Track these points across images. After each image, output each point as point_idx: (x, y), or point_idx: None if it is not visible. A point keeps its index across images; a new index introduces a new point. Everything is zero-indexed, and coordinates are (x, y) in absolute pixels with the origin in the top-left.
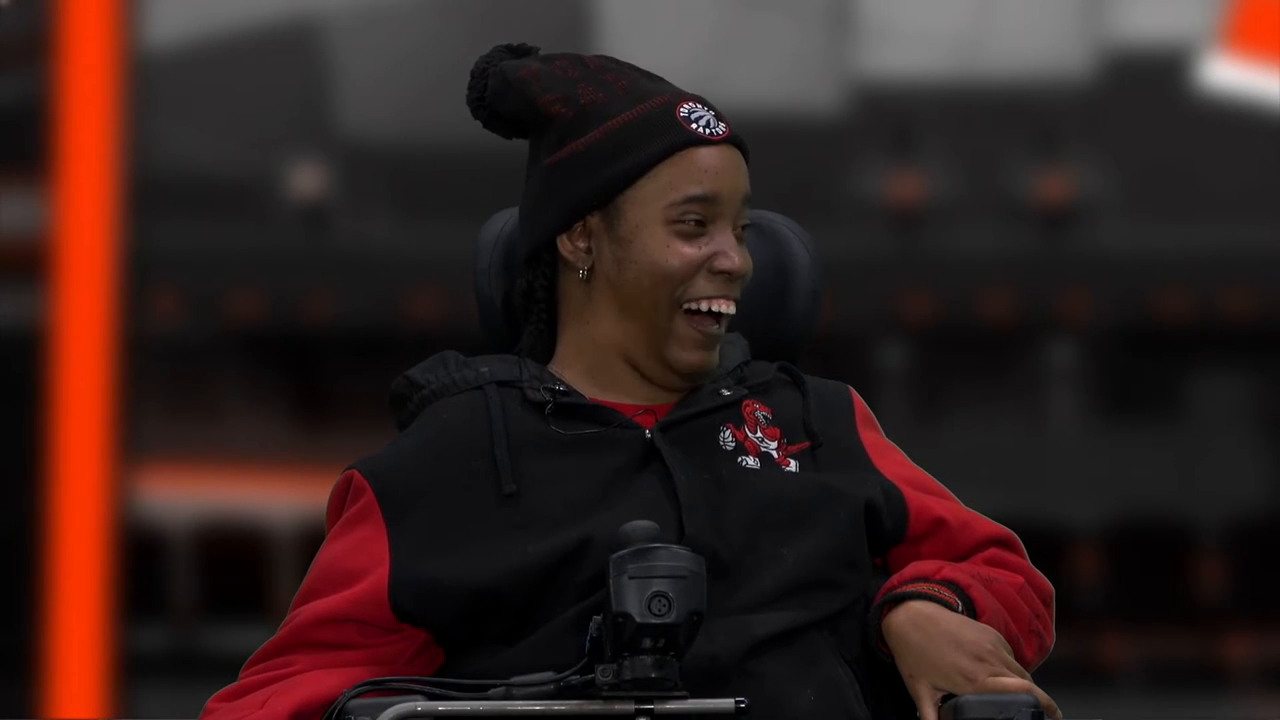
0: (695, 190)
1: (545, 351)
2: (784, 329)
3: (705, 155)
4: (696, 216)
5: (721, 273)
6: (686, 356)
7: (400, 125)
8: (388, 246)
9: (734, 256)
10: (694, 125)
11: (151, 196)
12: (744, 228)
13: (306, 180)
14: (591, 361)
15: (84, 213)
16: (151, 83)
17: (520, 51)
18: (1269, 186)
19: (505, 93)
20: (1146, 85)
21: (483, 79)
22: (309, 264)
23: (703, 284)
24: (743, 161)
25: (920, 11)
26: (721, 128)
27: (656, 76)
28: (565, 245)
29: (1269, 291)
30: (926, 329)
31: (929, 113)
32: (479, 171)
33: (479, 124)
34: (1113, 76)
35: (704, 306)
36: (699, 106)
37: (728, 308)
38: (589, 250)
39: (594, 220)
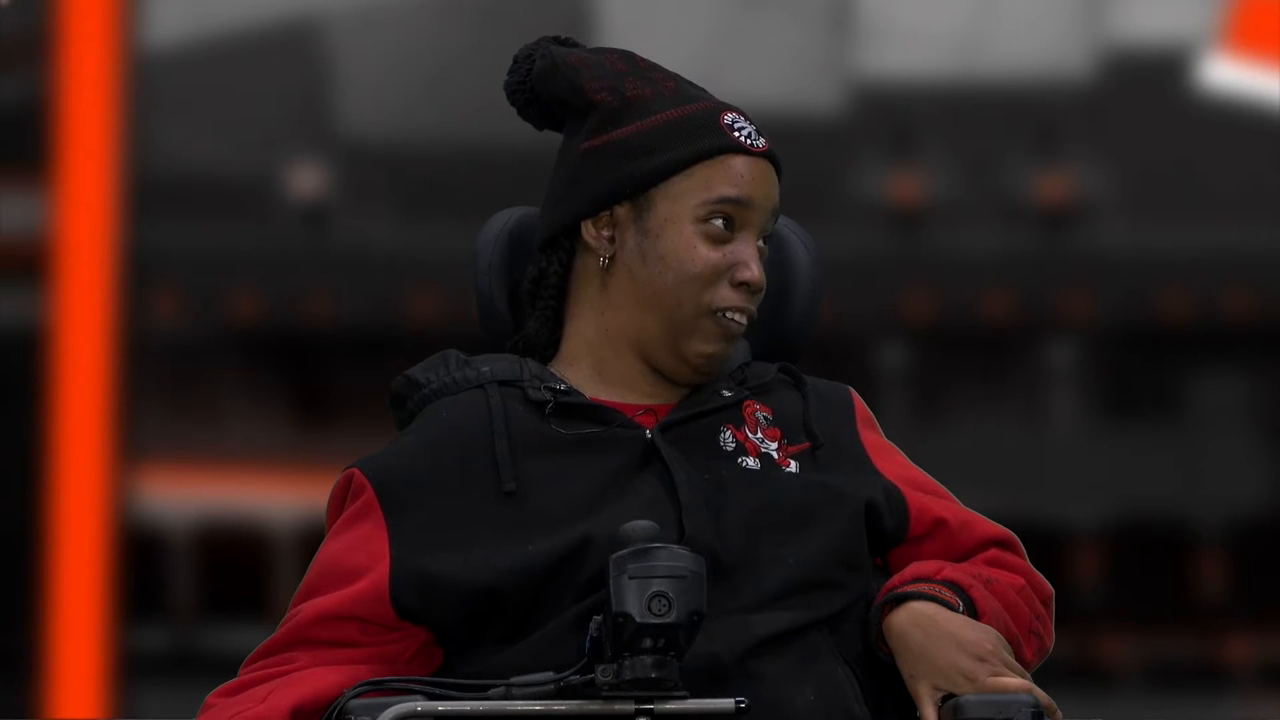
0: (730, 192)
1: (548, 341)
2: (784, 329)
3: (743, 163)
4: (726, 219)
5: (742, 284)
6: (705, 348)
7: (400, 125)
8: (388, 246)
9: (754, 268)
10: (736, 133)
11: (151, 196)
12: (766, 241)
13: (306, 180)
14: (599, 354)
15: (84, 213)
16: (151, 83)
17: (568, 43)
18: (1269, 186)
19: (552, 74)
20: (1146, 85)
21: (528, 63)
22: (309, 264)
23: (726, 292)
24: (776, 178)
25: (920, 11)
26: (762, 141)
27: (700, 87)
28: (589, 231)
29: (1269, 291)
30: (926, 329)
31: (929, 113)
32: (479, 171)
33: (480, 124)
34: (1113, 76)
35: (723, 315)
36: (742, 118)
37: (743, 319)
38: (612, 239)
39: (622, 210)
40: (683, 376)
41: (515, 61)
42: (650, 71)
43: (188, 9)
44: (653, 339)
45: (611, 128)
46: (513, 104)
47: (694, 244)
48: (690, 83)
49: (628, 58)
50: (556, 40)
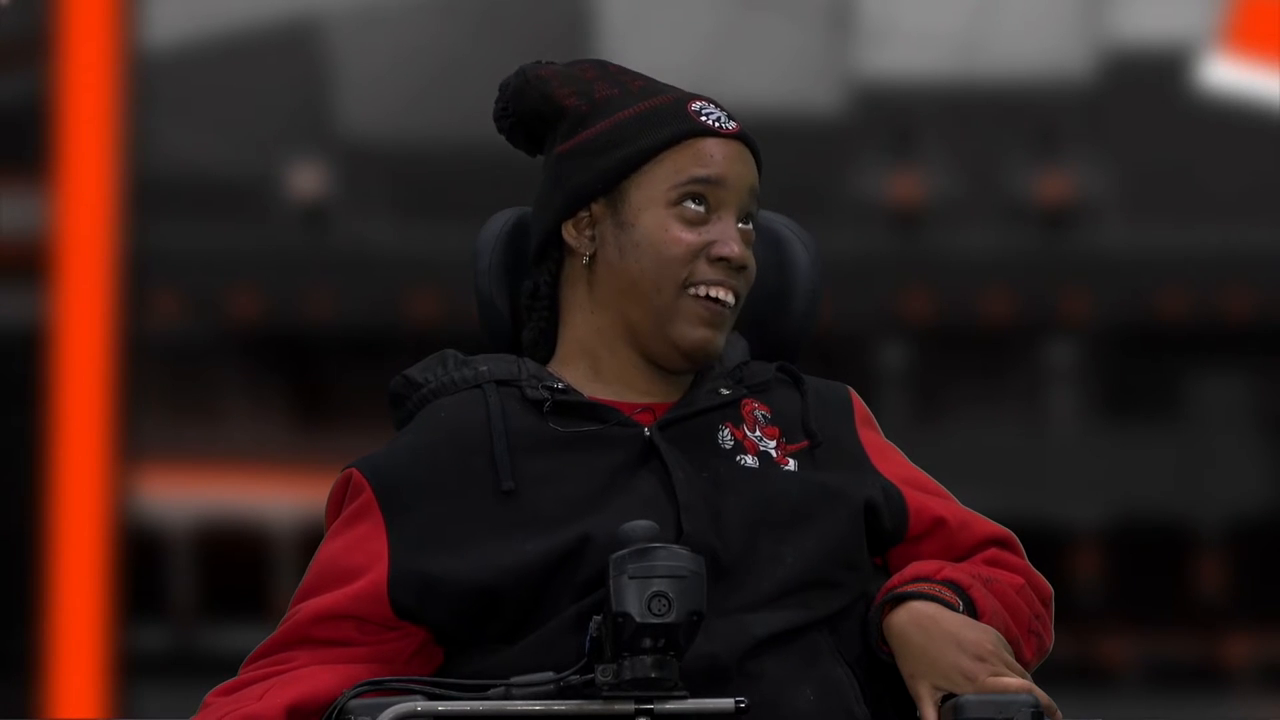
0: (700, 172)
1: (546, 348)
2: (783, 329)
3: (713, 144)
4: (699, 199)
5: (720, 260)
6: (692, 333)
7: (400, 125)
8: (388, 246)
9: (733, 245)
10: (704, 118)
11: (151, 196)
12: (750, 223)
13: (306, 180)
14: (594, 353)
15: (84, 213)
16: (151, 83)
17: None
18: (1269, 186)
19: (525, 90)
20: (1146, 85)
21: (507, 86)
22: (309, 264)
23: (704, 269)
24: (751, 158)
25: (920, 11)
26: (732, 124)
27: (673, 86)
28: (569, 232)
29: (1269, 291)
30: (926, 329)
31: (929, 113)
32: (479, 171)
33: (480, 124)
34: (1113, 76)
35: (703, 292)
36: (711, 104)
37: (726, 295)
38: (592, 237)
39: (598, 207)
40: (675, 364)
41: (500, 90)
42: (620, 75)
43: (188, 9)
44: (641, 329)
45: (581, 129)
46: (500, 132)
47: (668, 227)
48: (662, 82)
49: (599, 65)
50: (538, 64)
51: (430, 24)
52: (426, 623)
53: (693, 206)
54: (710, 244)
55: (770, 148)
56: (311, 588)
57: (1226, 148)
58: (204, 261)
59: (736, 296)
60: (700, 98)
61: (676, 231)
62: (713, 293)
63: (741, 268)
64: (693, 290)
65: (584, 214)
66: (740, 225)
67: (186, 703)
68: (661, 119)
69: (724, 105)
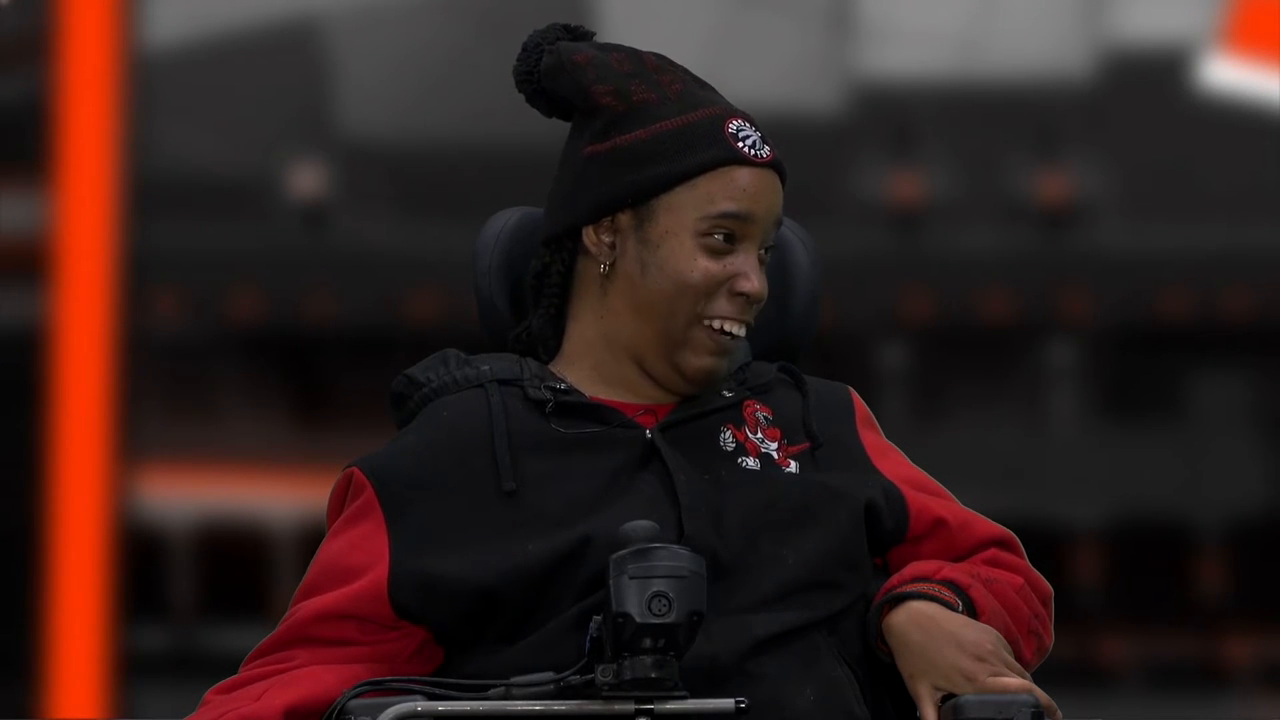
0: (731, 207)
1: (551, 338)
2: (784, 329)
3: (746, 175)
4: (727, 232)
5: (740, 295)
6: (697, 361)
7: (400, 125)
8: (388, 246)
9: (754, 280)
10: (740, 144)
11: (151, 196)
12: (768, 250)
13: (306, 180)
14: (599, 358)
15: (84, 213)
16: (151, 83)
17: (578, 34)
18: (1269, 186)
19: (558, 73)
20: (1146, 85)
21: (536, 53)
22: (309, 264)
23: (722, 303)
24: (780, 187)
25: (920, 11)
26: (766, 150)
27: (708, 85)
28: (590, 237)
29: (1269, 291)
30: (926, 329)
31: (929, 113)
32: (479, 171)
33: (480, 124)
34: (1113, 76)
35: (716, 324)
36: (747, 125)
37: (738, 330)
38: (613, 246)
39: (624, 218)
40: (676, 387)
41: (524, 50)
42: (658, 74)
43: (188, 9)
44: (648, 348)
45: (615, 133)
46: (520, 91)
47: (694, 256)
48: (698, 82)
49: (635, 58)
50: (567, 29)
51: (431, 24)
52: (426, 623)
53: (719, 238)
54: (733, 277)
55: None
56: (312, 586)
57: (1226, 148)
58: (204, 261)
59: (747, 328)
60: (737, 114)
61: (702, 261)
62: (727, 326)
63: (760, 300)
64: (706, 322)
65: (607, 221)
66: (759, 253)
67: (186, 703)
68: (699, 140)
69: (757, 122)
